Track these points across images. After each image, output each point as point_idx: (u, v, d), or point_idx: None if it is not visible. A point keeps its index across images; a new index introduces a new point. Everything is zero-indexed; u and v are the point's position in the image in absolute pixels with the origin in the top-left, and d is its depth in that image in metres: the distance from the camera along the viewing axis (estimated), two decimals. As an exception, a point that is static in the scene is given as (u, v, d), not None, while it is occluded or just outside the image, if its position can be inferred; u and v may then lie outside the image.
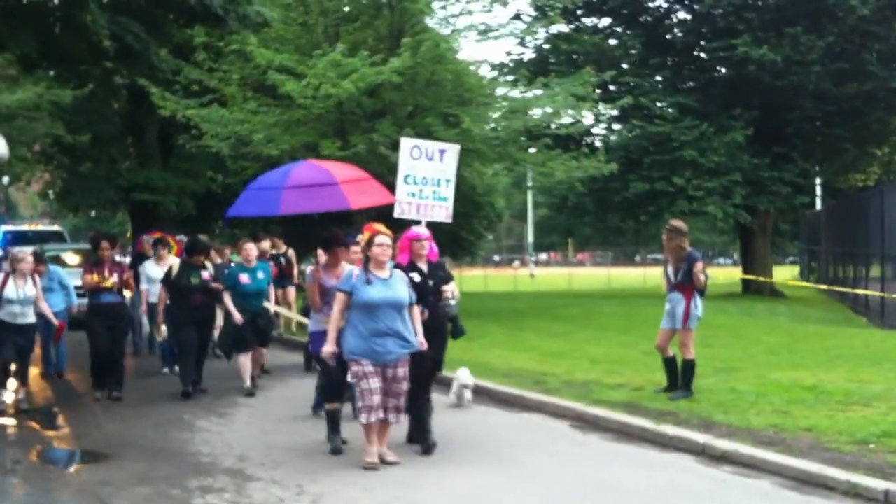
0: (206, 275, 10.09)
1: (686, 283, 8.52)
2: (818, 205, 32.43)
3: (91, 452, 7.54)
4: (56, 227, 28.15)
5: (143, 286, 11.77)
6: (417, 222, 10.40)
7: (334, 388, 7.30)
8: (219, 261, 12.01)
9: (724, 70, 26.49)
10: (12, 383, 9.43)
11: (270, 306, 10.78)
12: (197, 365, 10.11)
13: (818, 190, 31.82)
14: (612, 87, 24.68)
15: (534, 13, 24.21)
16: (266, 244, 12.54)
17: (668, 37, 27.61)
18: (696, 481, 6.30)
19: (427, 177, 10.78)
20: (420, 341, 6.75)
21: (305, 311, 9.36)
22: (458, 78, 16.98)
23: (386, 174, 13.24)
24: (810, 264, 36.50)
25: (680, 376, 8.64)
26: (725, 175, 24.31)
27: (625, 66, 26.05)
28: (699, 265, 8.53)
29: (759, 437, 6.98)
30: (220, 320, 10.59)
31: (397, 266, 7.12)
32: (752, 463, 6.54)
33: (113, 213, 35.92)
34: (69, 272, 11.74)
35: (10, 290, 9.12)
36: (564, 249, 68.90)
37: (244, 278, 10.12)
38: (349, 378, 6.79)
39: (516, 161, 18.77)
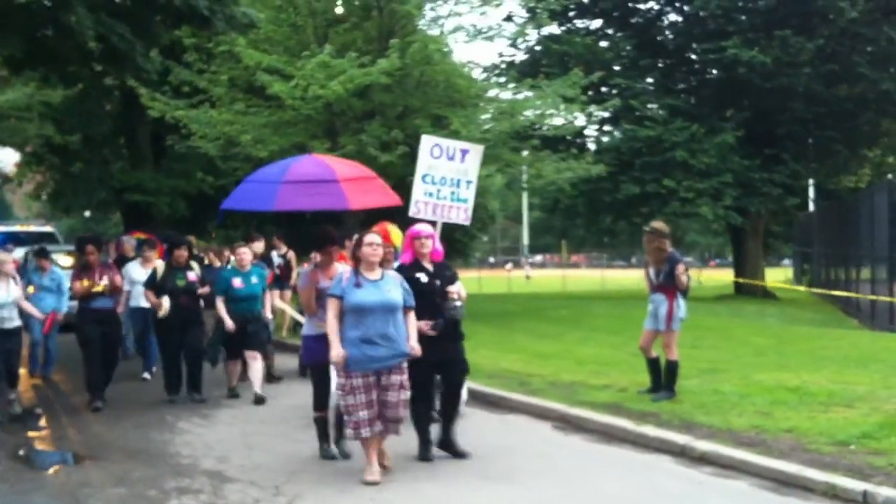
0: (192, 276, 9.78)
1: (668, 285, 8.53)
2: (811, 207, 32.46)
3: (72, 454, 7.52)
4: (48, 228, 28.01)
5: (126, 287, 11.50)
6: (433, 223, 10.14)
7: (322, 395, 7.12)
8: (217, 264, 11.88)
9: (714, 72, 26.56)
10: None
11: (268, 311, 10.45)
12: (192, 375, 9.74)
13: (811, 192, 31.82)
14: (603, 89, 24.71)
15: (526, 15, 24.24)
16: (259, 245, 11.77)
17: (659, 39, 27.68)
18: (674, 482, 6.29)
19: (446, 177, 10.37)
20: (412, 346, 6.39)
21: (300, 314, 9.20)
22: (448, 79, 16.98)
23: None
24: (803, 266, 36.54)
25: (663, 377, 8.64)
26: (716, 177, 24.36)
27: (616, 67, 26.10)
28: (681, 266, 8.54)
29: (740, 439, 6.97)
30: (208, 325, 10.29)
31: (401, 266, 6.90)
32: (732, 464, 6.53)
33: (107, 214, 35.89)
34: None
35: None
36: (559, 251, 68.90)
37: (237, 282, 9.74)
38: (334, 388, 6.66)
39: (508, 163, 18.75)
